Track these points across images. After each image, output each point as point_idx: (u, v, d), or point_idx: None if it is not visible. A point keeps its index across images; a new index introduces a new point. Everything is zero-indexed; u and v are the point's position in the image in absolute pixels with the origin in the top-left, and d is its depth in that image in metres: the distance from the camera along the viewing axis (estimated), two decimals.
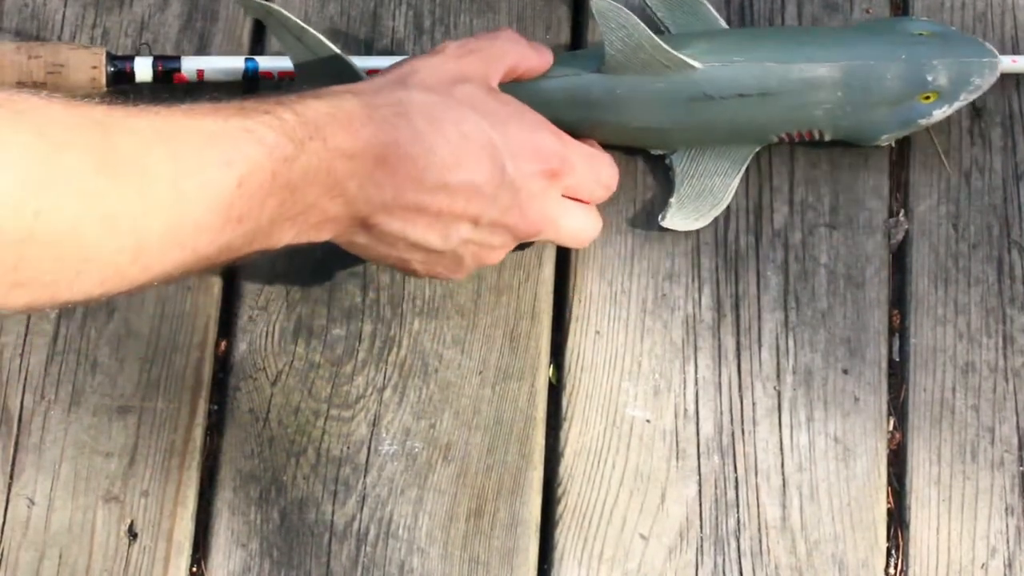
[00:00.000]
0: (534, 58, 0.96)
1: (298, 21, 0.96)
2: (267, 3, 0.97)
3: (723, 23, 1.02)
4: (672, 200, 1.00)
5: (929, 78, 0.97)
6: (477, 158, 0.87)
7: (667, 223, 1.00)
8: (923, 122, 0.99)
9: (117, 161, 0.74)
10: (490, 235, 0.90)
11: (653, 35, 0.95)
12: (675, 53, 0.96)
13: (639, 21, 0.95)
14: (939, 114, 0.99)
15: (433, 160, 0.85)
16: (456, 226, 0.88)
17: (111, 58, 1.00)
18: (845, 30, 1.01)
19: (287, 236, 0.84)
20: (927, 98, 0.98)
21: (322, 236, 0.86)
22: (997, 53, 0.99)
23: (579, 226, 0.94)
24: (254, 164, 0.79)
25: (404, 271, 0.91)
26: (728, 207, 1.00)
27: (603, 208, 0.99)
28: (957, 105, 0.99)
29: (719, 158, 1.00)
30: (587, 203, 0.95)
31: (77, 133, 0.73)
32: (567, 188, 0.92)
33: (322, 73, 0.97)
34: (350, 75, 0.97)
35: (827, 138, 1.00)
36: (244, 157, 0.79)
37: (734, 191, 1.00)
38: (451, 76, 0.90)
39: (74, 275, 0.74)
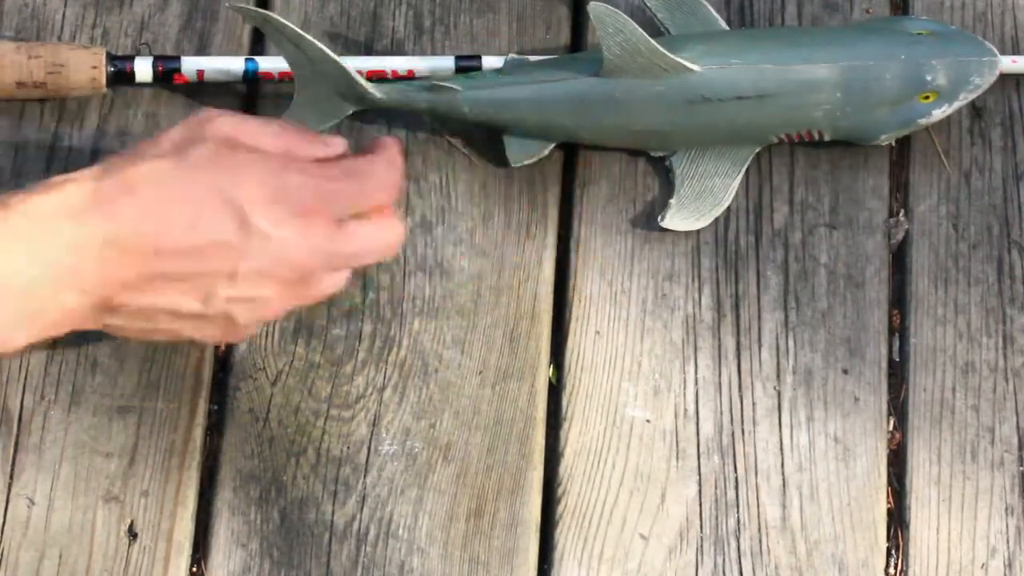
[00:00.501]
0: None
1: (296, 28, 0.96)
2: (264, 11, 0.97)
3: (723, 24, 1.02)
4: (672, 201, 1.00)
5: (928, 78, 0.97)
6: (214, 216, 0.84)
7: (667, 223, 1.00)
8: (923, 122, 0.99)
9: None
10: (255, 288, 0.86)
11: (650, 39, 0.95)
12: (672, 57, 0.96)
13: (636, 26, 0.95)
14: (939, 114, 0.99)
15: (167, 229, 0.83)
16: (212, 286, 0.85)
17: (111, 58, 1.00)
18: (844, 30, 1.01)
19: (21, 340, 0.83)
20: (927, 98, 0.98)
21: (63, 330, 0.85)
22: (997, 52, 0.99)
23: (370, 245, 0.89)
24: None
25: (180, 342, 0.91)
26: (728, 207, 1.00)
27: (604, 208, 0.99)
28: (957, 105, 0.99)
29: (719, 159, 1.00)
30: (379, 217, 0.90)
31: None
32: (342, 212, 0.88)
33: (320, 80, 0.97)
34: (347, 81, 0.97)
35: (827, 138, 1.00)
36: None
37: (734, 192, 1.00)
38: (186, 138, 0.87)
39: None
